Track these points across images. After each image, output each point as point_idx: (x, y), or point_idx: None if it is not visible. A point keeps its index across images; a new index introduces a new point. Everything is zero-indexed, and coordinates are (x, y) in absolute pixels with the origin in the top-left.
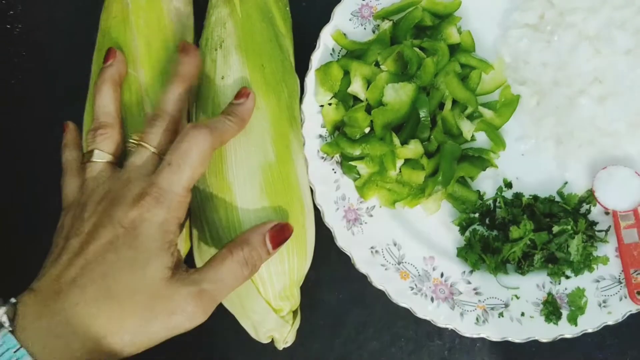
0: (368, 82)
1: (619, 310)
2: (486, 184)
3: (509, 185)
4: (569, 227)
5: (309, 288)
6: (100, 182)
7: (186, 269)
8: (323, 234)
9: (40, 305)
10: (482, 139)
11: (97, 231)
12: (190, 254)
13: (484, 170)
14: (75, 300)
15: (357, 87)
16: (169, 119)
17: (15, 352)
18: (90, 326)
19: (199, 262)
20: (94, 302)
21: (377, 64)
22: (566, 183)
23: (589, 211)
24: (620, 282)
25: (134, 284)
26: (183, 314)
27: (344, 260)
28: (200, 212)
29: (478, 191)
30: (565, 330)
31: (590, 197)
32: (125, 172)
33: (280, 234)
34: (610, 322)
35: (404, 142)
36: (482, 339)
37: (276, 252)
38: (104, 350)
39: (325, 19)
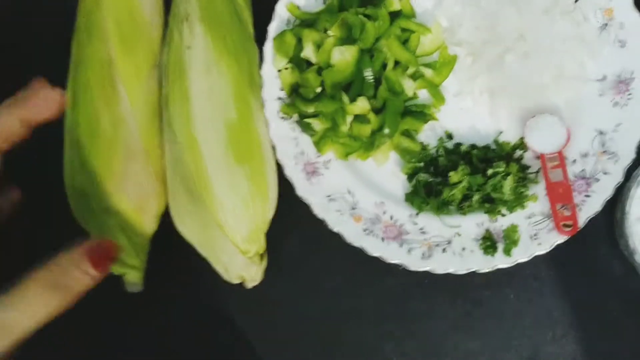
0: (319, 47)
1: (547, 241)
2: (430, 136)
3: (449, 136)
4: (501, 170)
5: (275, 236)
6: None
7: None
8: (286, 188)
9: None
10: (424, 96)
11: None
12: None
13: (426, 123)
14: None
15: (308, 52)
16: None
17: None
18: None
19: (175, 217)
20: None
21: (326, 31)
22: (501, 132)
23: (522, 157)
24: (549, 217)
25: None
26: None
27: (306, 210)
28: (173, 168)
29: (422, 143)
30: (500, 261)
31: (522, 143)
32: None
33: (102, 254)
34: (539, 252)
35: (352, 100)
36: (430, 276)
37: (105, 273)
38: None
39: None
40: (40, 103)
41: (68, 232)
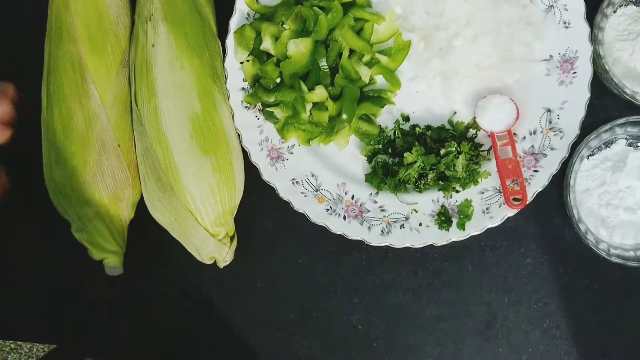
0: (277, 40)
1: (498, 214)
2: (387, 119)
3: (406, 118)
4: (453, 149)
5: (246, 218)
6: None
7: None
8: (255, 173)
9: None
10: (381, 81)
11: None
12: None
13: (383, 107)
14: None
15: (267, 45)
16: None
17: None
18: None
19: (149, 205)
20: None
21: (283, 24)
22: (455, 113)
23: (475, 135)
24: (500, 192)
25: None
26: None
27: (274, 192)
28: (144, 160)
29: (380, 126)
30: (454, 234)
31: (475, 123)
32: None
33: None
34: (491, 225)
35: (310, 89)
36: (393, 251)
37: None
38: None
39: None
40: None
41: (48, 220)
